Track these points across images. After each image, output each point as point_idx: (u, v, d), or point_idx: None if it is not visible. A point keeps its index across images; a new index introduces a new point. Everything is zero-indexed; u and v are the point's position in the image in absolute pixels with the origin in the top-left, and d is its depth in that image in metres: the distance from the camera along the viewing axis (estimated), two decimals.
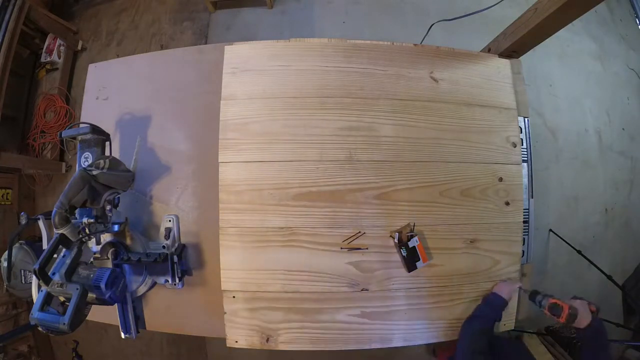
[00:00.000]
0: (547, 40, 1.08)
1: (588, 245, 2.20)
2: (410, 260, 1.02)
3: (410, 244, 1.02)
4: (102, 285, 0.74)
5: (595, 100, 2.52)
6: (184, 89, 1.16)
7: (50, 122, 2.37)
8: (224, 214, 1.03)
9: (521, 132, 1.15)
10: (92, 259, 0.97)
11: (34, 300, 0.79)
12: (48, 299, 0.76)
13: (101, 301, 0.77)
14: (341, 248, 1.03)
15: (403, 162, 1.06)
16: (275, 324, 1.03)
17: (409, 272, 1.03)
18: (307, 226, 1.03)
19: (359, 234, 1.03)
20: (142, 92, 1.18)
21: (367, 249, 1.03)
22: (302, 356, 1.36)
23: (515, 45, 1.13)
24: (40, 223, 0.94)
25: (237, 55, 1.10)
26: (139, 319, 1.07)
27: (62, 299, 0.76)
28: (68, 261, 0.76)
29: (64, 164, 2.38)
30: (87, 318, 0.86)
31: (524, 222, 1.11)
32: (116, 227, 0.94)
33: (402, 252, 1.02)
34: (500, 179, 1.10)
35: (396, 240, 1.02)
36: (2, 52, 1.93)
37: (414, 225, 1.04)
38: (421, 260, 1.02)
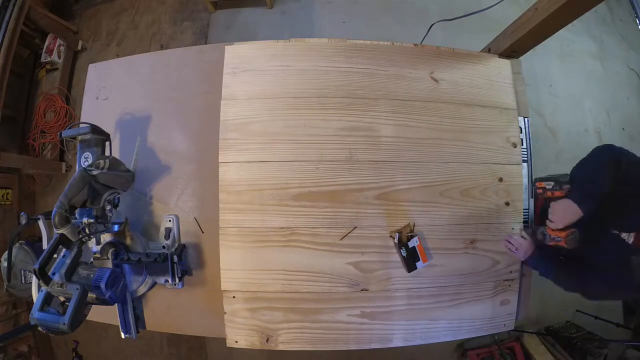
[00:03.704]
0: (547, 40, 1.08)
1: None
2: (410, 261, 1.02)
3: (410, 244, 1.02)
4: (102, 285, 0.74)
5: (595, 100, 2.52)
6: (184, 89, 1.16)
7: (50, 122, 2.37)
8: (224, 214, 1.03)
9: (521, 132, 1.15)
10: (92, 259, 0.97)
11: (34, 300, 0.79)
12: (48, 299, 0.76)
13: (101, 301, 0.77)
14: (340, 240, 1.03)
15: (403, 162, 1.06)
16: (275, 324, 1.03)
17: (409, 272, 1.03)
18: (307, 226, 1.03)
19: (353, 229, 1.03)
20: (142, 92, 1.18)
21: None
22: (303, 356, 1.36)
23: (515, 45, 1.13)
24: (40, 223, 0.94)
25: (237, 55, 1.10)
26: (139, 319, 1.07)
27: (62, 299, 0.76)
28: (68, 261, 0.76)
29: (64, 164, 2.38)
30: (87, 318, 0.86)
31: (524, 222, 1.11)
32: (116, 227, 0.94)
33: (402, 252, 1.02)
34: (500, 179, 1.10)
35: (396, 241, 1.02)
36: (2, 52, 1.93)
37: (413, 225, 1.04)
38: (421, 260, 1.02)
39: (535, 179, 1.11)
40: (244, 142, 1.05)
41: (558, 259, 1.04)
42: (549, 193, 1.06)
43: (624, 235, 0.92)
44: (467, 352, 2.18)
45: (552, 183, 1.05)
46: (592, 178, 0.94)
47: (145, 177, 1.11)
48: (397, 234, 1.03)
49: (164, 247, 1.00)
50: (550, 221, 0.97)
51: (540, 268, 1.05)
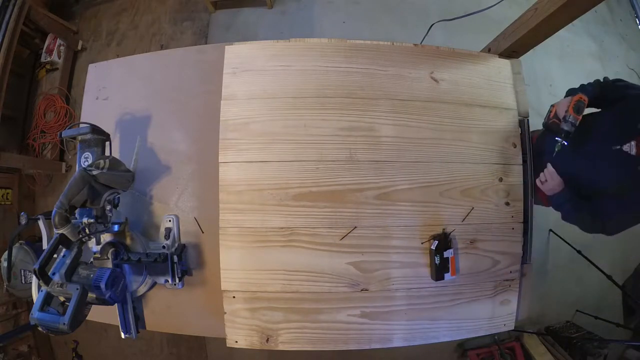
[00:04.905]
0: (547, 40, 1.08)
1: (588, 245, 2.20)
2: (440, 270, 1.02)
3: (446, 254, 1.02)
4: (102, 285, 0.74)
5: None
6: (184, 89, 1.16)
7: (50, 122, 2.38)
8: (224, 214, 1.03)
9: (521, 133, 1.15)
10: (92, 259, 0.97)
11: (34, 300, 0.79)
12: (48, 299, 0.76)
13: (101, 301, 0.77)
14: (340, 240, 1.03)
15: (403, 162, 1.06)
16: (275, 324, 1.03)
17: (436, 280, 1.03)
18: (307, 226, 1.03)
19: (353, 229, 1.03)
20: (142, 92, 1.18)
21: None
22: (303, 356, 1.37)
23: (515, 45, 1.13)
24: (40, 223, 0.94)
25: (237, 55, 1.10)
26: (139, 319, 1.07)
27: (62, 299, 0.76)
28: (68, 261, 0.76)
29: (64, 164, 2.38)
30: (87, 318, 0.86)
31: (524, 222, 1.11)
32: (116, 227, 0.94)
33: (436, 259, 1.01)
34: (501, 179, 1.10)
35: (433, 247, 1.02)
36: (2, 52, 1.93)
37: (450, 234, 1.04)
38: (450, 272, 1.02)
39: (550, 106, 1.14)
40: (244, 142, 1.05)
41: (579, 201, 1.07)
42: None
43: (625, 147, 0.94)
44: (467, 352, 2.18)
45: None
46: (586, 84, 1.07)
47: (145, 177, 1.11)
48: (436, 241, 1.02)
49: (164, 247, 1.00)
50: (558, 107, 1.04)
51: (563, 207, 1.08)
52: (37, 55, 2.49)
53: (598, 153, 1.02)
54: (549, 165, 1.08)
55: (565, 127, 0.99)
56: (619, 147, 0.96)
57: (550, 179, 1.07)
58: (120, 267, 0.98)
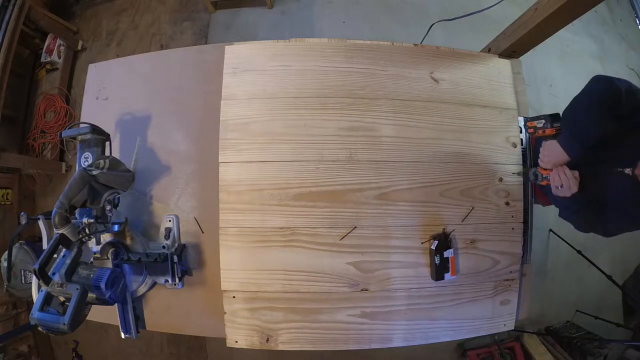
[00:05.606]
0: (547, 40, 1.08)
1: (588, 245, 2.20)
2: (440, 270, 1.02)
3: (446, 254, 1.01)
4: (102, 285, 0.74)
5: None
6: (184, 89, 1.16)
7: (50, 122, 2.38)
8: (224, 214, 1.03)
9: (521, 132, 1.15)
10: (92, 259, 0.97)
11: (34, 300, 0.79)
12: (48, 299, 0.76)
13: (101, 301, 0.77)
14: (340, 240, 1.03)
15: (403, 162, 1.06)
16: (275, 324, 1.03)
17: (436, 280, 1.03)
18: (307, 226, 1.03)
19: (353, 229, 1.03)
20: (142, 92, 1.18)
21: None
22: (303, 356, 1.37)
23: (515, 45, 1.13)
24: (40, 223, 0.94)
25: (238, 56, 1.10)
26: (139, 319, 1.07)
27: (62, 299, 0.76)
28: (68, 261, 0.76)
29: (64, 164, 2.38)
30: (87, 318, 0.86)
31: (524, 222, 1.11)
32: (116, 227, 0.94)
33: (436, 259, 1.01)
34: (501, 179, 1.10)
35: (433, 247, 1.01)
36: (2, 52, 1.93)
37: (450, 234, 1.04)
38: (450, 272, 1.02)
39: (526, 119, 1.08)
40: (244, 142, 1.05)
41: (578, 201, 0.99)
42: (540, 132, 1.03)
43: (627, 171, 0.89)
44: (467, 352, 2.18)
45: (543, 121, 1.01)
46: (579, 121, 0.90)
47: (145, 177, 1.11)
48: (436, 241, 1.02)
49: (164, 247, 1.00)
50: (540, 160, 0.96)
51: (569, 208, 1.01)
52: (37, 55, 2.49)
53: (600, 172, 0.95)
54: (566, 169, 0.93)
55: (531, 176, 1.04)
56: (620, 169, 0.91)
57: (566, 181, 0.93)
58: (120, 267, 0.99)
